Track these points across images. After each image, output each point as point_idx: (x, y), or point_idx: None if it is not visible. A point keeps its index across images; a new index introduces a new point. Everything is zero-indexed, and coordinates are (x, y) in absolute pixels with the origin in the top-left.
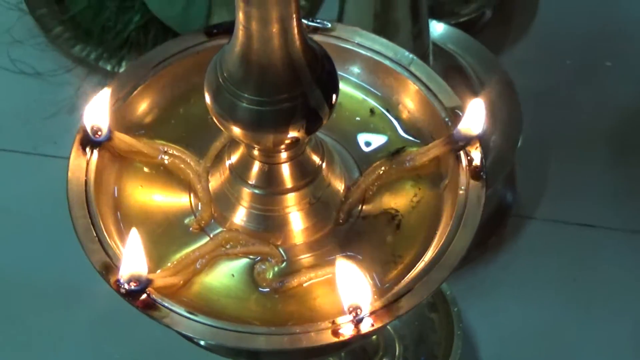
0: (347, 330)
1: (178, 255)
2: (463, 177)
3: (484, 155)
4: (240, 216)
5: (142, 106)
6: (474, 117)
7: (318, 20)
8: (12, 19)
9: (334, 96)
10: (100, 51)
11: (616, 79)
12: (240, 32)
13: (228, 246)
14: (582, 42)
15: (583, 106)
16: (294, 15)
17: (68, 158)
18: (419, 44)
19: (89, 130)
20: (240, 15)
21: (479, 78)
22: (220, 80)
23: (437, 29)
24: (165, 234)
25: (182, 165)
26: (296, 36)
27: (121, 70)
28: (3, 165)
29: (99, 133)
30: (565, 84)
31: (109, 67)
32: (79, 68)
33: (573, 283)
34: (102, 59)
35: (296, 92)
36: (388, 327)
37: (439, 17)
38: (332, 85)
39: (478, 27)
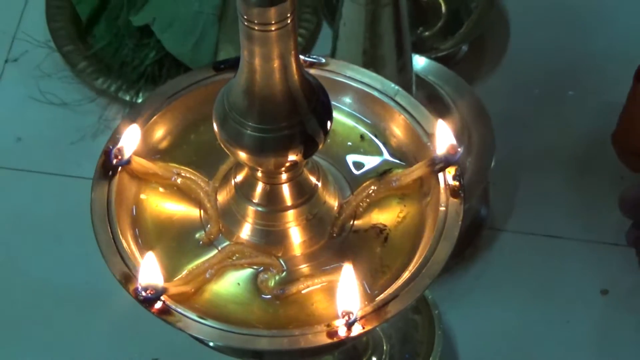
0: (340, 333)
1: (190, 266)
2: (443, 195)
3: (462, 173)
4: (245, 231)
5: (158, 133)
6: (452, 143)
7: (313, 56)
8: (42, 56)
9: (329, 124)
10: (120, 83)
11: (577, 106)
12: (244, 67)
13: (234, 258)
14: (547, 74)
15: (548, 130)
16: (293, 52)
17: (92, 178)
18: (404, 76)
19: (110, 155)
20: (245, 53)
21: (456, 106)
22: (227, 110)
23: (419, 62)
24: (178, 247)
25: (193, 186)
26: (294, 70)
27: (138, 100)
28: (34, 186)
29: (119, 157)
30: (533, 111)
31: (127, 98)
32: (101, 98)
33: (541, 288)
34: (122, 91)
35: (295, 121)
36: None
37: (421, 52)
38: (326, 114)
39: (455, 61)
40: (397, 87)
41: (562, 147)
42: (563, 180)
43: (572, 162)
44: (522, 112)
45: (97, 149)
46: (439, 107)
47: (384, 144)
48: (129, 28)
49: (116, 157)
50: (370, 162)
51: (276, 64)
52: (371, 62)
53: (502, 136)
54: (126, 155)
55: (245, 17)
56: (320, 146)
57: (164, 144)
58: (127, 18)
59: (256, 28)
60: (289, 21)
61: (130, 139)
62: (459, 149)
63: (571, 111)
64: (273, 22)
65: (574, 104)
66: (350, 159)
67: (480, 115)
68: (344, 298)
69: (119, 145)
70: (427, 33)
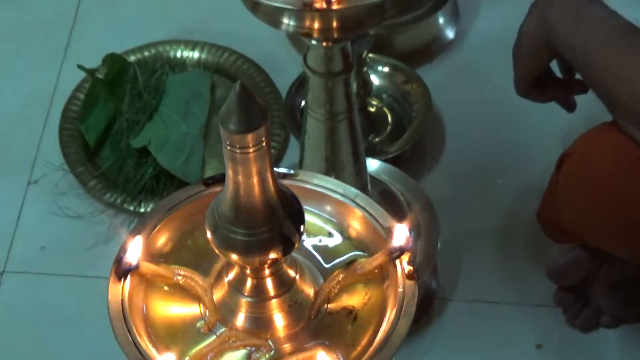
0: None
1: (194, 351)
2: (400, 278)
3: (414, 259)
4: (238, 318)
5: (160, 240)
6: (404, 235)
7: (285, 169)
8: (58, 177)
9: (302, 226)
10: (125, 196)
11: (505, 192)
12: (230, 183)
13: (231, 341)
14: (479, 166)
15: (484, 213)
16: (268, 169)
17: (106, 278)
18: (360, 177)
19: (122, 262)
20: (230, 172)
21: (405, 199)
22: (217, 220)
23: (372, 164)
24: (183, 335)
25: (193, 283)
26: (271, 184)
27: (141, 209)
28: (58, 286)
29: (129, 264)
30: (469, 198)
31: (132, 208)
32: (109, 210)
33: (486, 347)
34: (127, 202)
35: (274, 225)
36: None
37: (373, 155)
38: (299, 218)
39: (402, 161)
40: (356, 191)
41: (496, 225)
42: (498, 254)
43: (505, 238)
44: (460, 199)
45: (109, 252)
46: (391, 201)
47: (348, 238)
48: (129, 150)
49: (126, 263)
50: (338, 254)
51: (255, 179)
52: (332, 167)
53: (445, 220)
54: (135, 262)
55: (228, 143)
56: (296, 245)
57: (166, 250)
58: (128, 142)
59: (237, 151)
60: (264, 144)
61: (137, 248)
62: (411, 239)
63: (501, 195)
64: (251, 145)
65: (503, 190)
66: (321, 252)
67: (426, 205)
68: None
69: (127, 254)
70: (377, 139)
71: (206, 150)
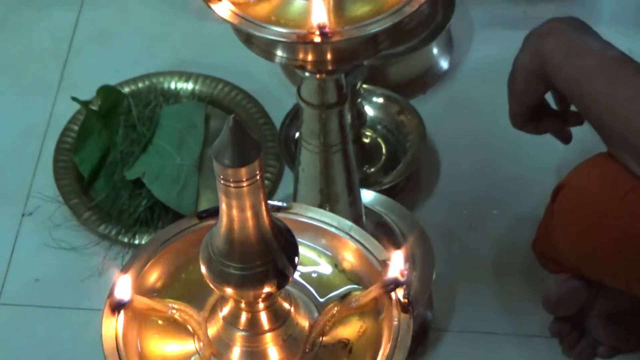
0: None
1: None
2: (395, 311)
3: (409, 290)
4: (233, 352)
5: (154, 274)
6: (399, 267)
7: (279, 203)
8: (52, 209)
9: (296, 259)
10: (119, 228)
11: (500, 222)
12: (223, 217)
13: None
14: (474, 197)
15: (479, 243)
16: (262, 202)
17: (100, 310)
18: (354, 209)
19: (115, 296)
20: (223, 206)
21: (400, 230)
22: (211, 254)
23: (367, 196)
24: None
25: (187, 317)
26: (265, 217)
27: (135, 241)
28: (52, 319)
29: (123, 298)
30: (464, 229)
31: (126, 240)
32: (104, 242)
33: None
34: (121, 234)
35: (268, 259)
36: None
37: (367, 187)
38: (293, 252)
39: (396, 192)
40: (350, 224)
41: (491, 256)
42: (494, 284)
43: (501, 268)
44: (455, 230)
45: (103, 284)
46: (386, 232)
47: (343, 271)
48: (123, 181)
49: (120, 298)
50: (333, 287)
51: (249, 213)
52: (327, 199)
53: (440, 251)
54: (128, 296)
55: (221, 177)
56: (290, 279)
57: (160, 283)
58: (122, 173)
59: (231, 185)
60: (257, 178)
61: (131, 282)
62: (405, 272)
63: (496, 226)
64: (244, 179)
65: (498, 220)
66: (316, 286)
67: (421, 235)
68: None
69: (121, 288)
70: (371, 170)
71: (201, 182)
